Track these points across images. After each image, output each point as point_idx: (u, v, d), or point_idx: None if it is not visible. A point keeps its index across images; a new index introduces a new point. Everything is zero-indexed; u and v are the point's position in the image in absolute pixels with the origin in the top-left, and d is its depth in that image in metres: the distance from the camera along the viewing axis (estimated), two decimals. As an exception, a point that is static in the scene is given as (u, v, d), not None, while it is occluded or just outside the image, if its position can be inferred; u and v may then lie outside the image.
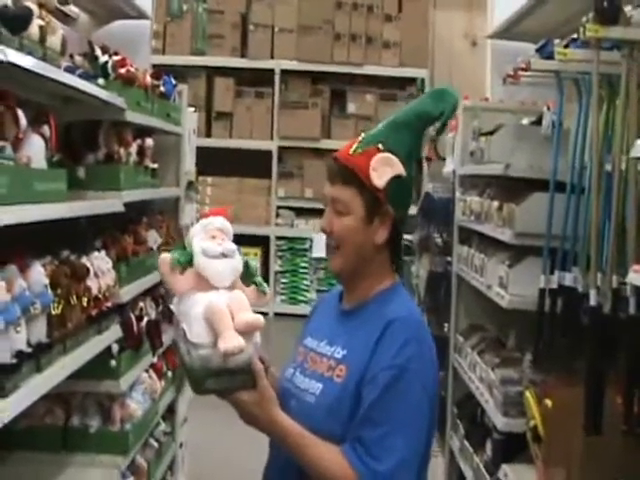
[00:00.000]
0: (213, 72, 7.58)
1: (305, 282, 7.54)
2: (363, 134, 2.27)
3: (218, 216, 2.15)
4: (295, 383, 2.25)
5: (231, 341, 1.97)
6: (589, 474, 2.96)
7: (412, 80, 7.55)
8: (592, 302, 2.92)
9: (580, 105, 3.43)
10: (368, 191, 2.17)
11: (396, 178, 2.17)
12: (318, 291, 7.47)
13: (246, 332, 2.01)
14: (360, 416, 2.08)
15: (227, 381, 2.02)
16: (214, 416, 4.16)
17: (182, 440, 4.91)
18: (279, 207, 7.57)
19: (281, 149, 7.54)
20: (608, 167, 3.15)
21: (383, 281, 2.26)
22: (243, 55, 7.55)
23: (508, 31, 4.68)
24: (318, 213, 7.23)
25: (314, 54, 7.49)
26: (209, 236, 2.10)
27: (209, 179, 7.36)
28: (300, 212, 7.56)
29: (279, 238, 7.52)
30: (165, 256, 2.12)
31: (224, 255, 2.09)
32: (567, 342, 3.26)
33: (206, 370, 2.00)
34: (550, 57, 3.38)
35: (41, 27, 2.72)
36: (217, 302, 2.02)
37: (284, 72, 7.48)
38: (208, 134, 7.42)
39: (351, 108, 7.65)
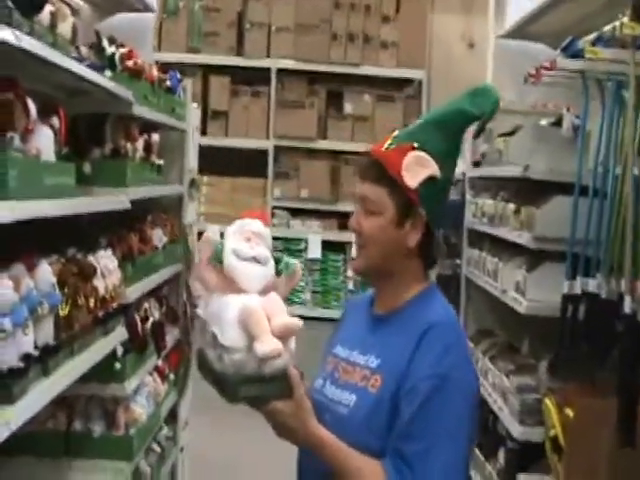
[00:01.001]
0: (209, 70, 7.46)
1: (300, 283, 7.42)
2: (397, 131, 2.16)
3: (256, 219, 2.04)
4: (326, 395, 2.13)
5: (269, 344, 1.86)
6: (618, 487, 2.87)
7: (409, 81, 7.48)
8: (626, 309, 2.82)
9: (603, 106, 3.33)
10: (400, 191, 2.06)
11: (430, 179, 2.05)
12: (313, 292, 7.39)
13: (283, 336, 1.89)
14: (400, 429, 1.97)
15: (263, 389, 1.90)
16: (214, 419, 4.06)
17: (183, 444, 4.79)
18: (275, 207, 7.46)
19: (277, 149, 7.44)
20: (635, 171, 3.06)
21: (416, 285, 2.14)
22: (239, 53, 7.44)
23: (520, 31, 4.59)
24: (314, 214, 7.23)
25: (311, 53, 7.39)
26: (244, 237, 1.99)
27: (204, 178, 7.22)
28: (296, 212, 7.47)
29: (274, 239, 7.36)
30: (209, 239, 2.00)
31: (255, 260, 1.98)
32: (591, 350, 3.15)
33: (240, 376, 1.88)
34: (575, 56, 3.27)
35: (52, 13, 2.58)
36: (253, 304, 1.90)
37: (280, 71, 7.38)
38: (204, 132, 7.28)
39: (348, 108, 7.54)
